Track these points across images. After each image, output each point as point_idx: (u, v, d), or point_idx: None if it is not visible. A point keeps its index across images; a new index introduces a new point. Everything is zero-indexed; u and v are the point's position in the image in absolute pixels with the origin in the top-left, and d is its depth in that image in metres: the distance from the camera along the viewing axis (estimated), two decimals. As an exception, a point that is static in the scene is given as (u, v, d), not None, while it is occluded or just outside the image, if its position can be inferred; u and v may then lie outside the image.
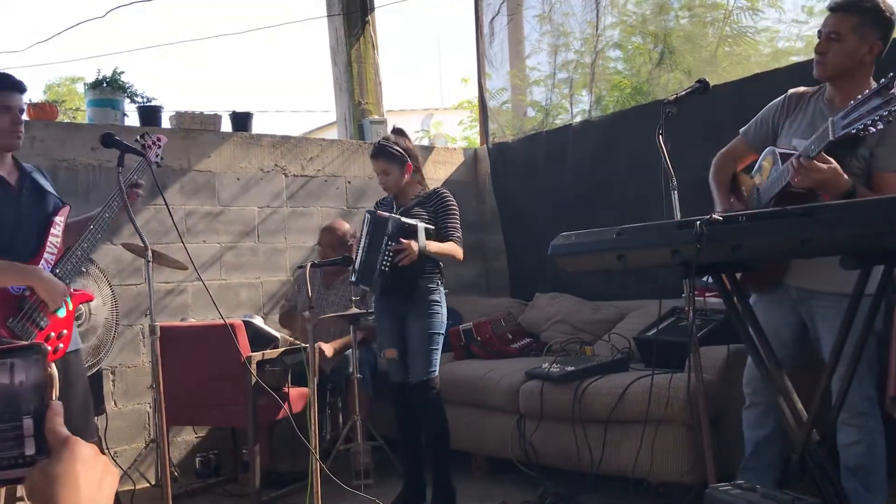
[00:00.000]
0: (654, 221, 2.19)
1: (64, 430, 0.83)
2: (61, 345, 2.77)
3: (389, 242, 3.44)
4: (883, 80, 2.12)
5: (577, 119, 5.70)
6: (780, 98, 2.81)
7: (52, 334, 2.74)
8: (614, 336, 4.24)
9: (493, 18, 6.25)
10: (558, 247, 2.33)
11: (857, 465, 2.57)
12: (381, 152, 3.67)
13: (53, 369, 2.65)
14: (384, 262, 3.46)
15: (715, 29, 5.55)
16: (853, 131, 2.18)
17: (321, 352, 4.31)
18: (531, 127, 6.11)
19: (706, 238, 1.89)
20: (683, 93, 2.89)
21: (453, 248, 3.61)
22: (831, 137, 2.28)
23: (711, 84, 2.95)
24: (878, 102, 2.11)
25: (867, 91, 2.18)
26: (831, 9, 2.57)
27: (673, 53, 5.48)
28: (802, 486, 2.10)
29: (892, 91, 2.07)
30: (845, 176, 2.37)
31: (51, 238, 2.84)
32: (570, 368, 3.80)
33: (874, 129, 2.15)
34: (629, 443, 3.49)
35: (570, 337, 4.50)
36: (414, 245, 3.43)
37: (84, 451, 0.82)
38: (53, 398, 0.86)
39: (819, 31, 2.61)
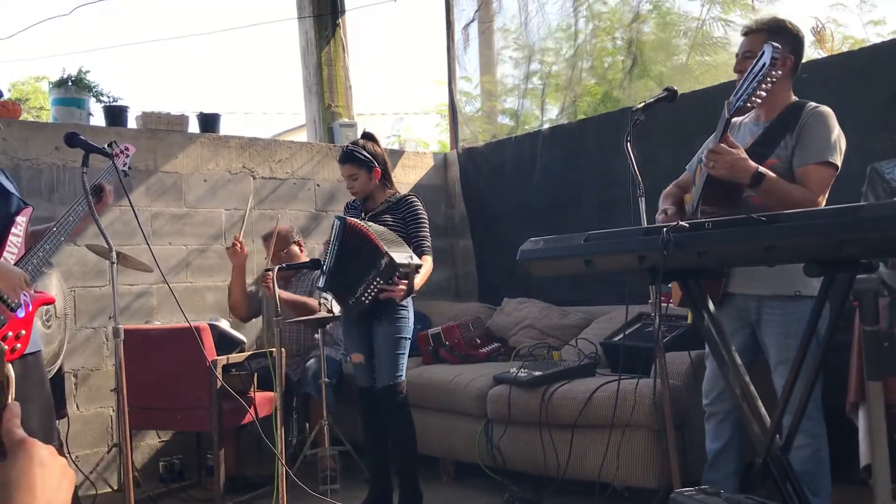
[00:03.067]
0: (622, 228, 2.20)
1: (20, 432, 0.81)
2: (19, 345, 2.71)
3: (378, 279, 3.37)
4: (759, 52, 2.36)
5: (548, 125, 5.74)
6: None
7: (10, 333, 2.68)
8: (581, 341, 4.27)
9: (467, 25, 6.28)
10: (527, 252, 2.34)
11: (804, 469, 2.61)
12: (349, 157, 3.66)
13: (10, 370, 2.58)
14: (366, 295, 3.40)
15: (688, 38, 5.64)
16: (741, 103, 2.40)
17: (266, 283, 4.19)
18: (504, 133, 6.14)
19: (673, 244, 1.91)
20: (652, 100, 2.93)
21: (428, 268, 3.60)
22: (727, 115, 2.47)
23: (684, 92, 3.00)
24: (757, 71, 2.33)
25: (749, 68, 2.40)
26: (745, 33, 2.80)
27: (644, 63, 5.55)
28: (765, 491, 2.12)
29: (763, 58, 2.30)
30: (750, 161, 2.52)
31: (11, 238, 2.79)
32: (537, 373, 3.81)
33: (759, 100, 2.39)
34: (595, 447, 3.51)
35: (538, 342, 4.52)
36: (402, 289, 3.39)
37: (41, 452, 0.80)
38: (10, 400, 0.84)
39: (736, 54, 2.81)
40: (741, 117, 2.88)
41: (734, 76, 2.82)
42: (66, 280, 4.37)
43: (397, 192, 3.77)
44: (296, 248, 4.68)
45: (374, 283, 3.38)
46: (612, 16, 5.79)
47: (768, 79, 2.31)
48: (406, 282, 3.40)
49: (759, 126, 2.76)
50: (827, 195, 2.66)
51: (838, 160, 2.62)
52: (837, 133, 2.64)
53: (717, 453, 2.90)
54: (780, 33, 2.67)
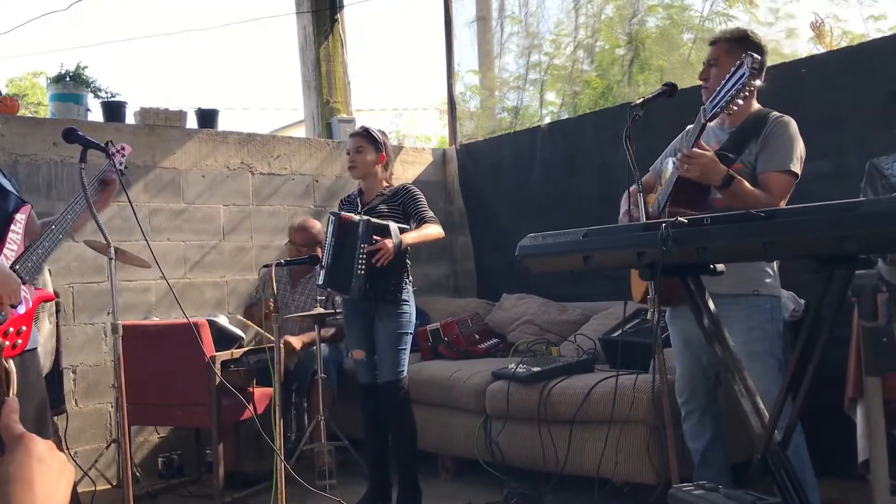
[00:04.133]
0: (621, 223, 2.21)
1: (19, 427, 0.81)
2: (20, 341, 2.71)
3: (362, 245, 3.40)
4: (738, 62, 2.44)
5: (547, 120, 5.74)
6: (680, 134, 3.05)
7: (11, 330, 2.69)
8: (580, 337, 4.27)
9: (469, 22, 6.28)
10: (525, 248, 2.33)
11: None
12: (363, 132, 3.72)
13: (11, 366, 2.59)
14: (359, 267, 3.41)
15: (690, 32, 5.64)
16: (718, 109, 2.49)
17: (288, 345, 4.29)
18: (503, 128, 6.13)
19: (671, 240, 1.90)
20: (650, 96, 2.92)
21: (432, 230, 3.59)
22: (703, 120, 2.57)
23: (686, 86, 3.01)
24: (735, 80, 2.41)
25: (726, 76, 2.47)
26: (710, 43, 2.91)
27: (645, 56, 5.54)
28: (762, 486, 2.12)
29: (743, 67, 2.38)
30: (722, 164, 2.61)
31: (10, 235, 2.79)
32: (536, 369, 3.81)
33: (736, 107, 2.47)
34: (594, 443, 3.51)
35: (537, 338, 4.52)
36: (388, 243, 3.40)
37: (39, 448, 0.80)
38: (11, 395, 0.84)
39: (703, 63, 2.91)
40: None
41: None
42: (65, 276, 4.37)
43: (392, 185, 3.78)
44: (319, 251, 4.64)
45: (361, 250, 3.39)
46: (615, 14, 5.79)
47: (746, 88, 2.40)
48: (390, 239, 3.41)
49: (725, 131, 2.84)
50: (787, 200, 2.74)
51: (798, 169, 2.73)
52: (799, 143, 2.75)
53: (704, 450, 2.93)
54: (742, 42, 2.78)
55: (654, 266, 1.97)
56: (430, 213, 3.64)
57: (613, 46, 5.86)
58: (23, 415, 0.82)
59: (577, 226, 2.24)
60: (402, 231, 3.50)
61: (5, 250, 2.74)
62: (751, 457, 2.12)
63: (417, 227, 3.60)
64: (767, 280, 2.80)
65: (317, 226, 4.77)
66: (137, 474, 4.19)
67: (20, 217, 2.85)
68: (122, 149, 3.20)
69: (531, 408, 3.71)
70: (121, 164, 3.18)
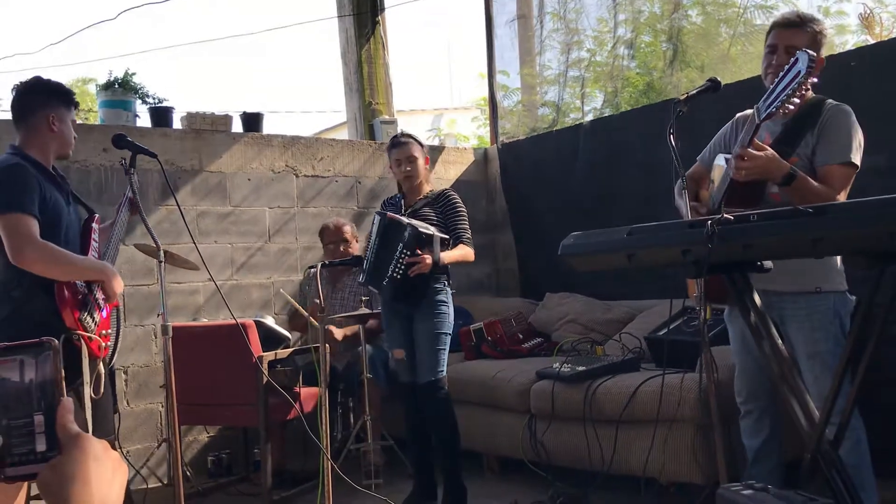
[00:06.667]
0: (665, 221, 2.18)
1: (74, 427, 0.83)
2: (109, 343, 2.86)
3: (405, 251, 3.43)
4: (792, 59, 2.30)
5: (589, 118, 5.70)
6: (729, 122, 2.94)
7: (104, 331, 2.84)
8: (625, 336, 4.23)
9: (510, 20, 6.27)
10: (569, 246, 2.32)
11: (846, 462, 2.57)
12: (411, 139, 3.76)
13: (101, 367, 2.74)
14: (397, 270, 3.46)
15: (728, 27, 5.55)
16: (773, 109, 2.34)
17: (330, 334, 4.32)
18: (544, 126, 6.11)
19: (717, 237, 1.88)
20: (694, 92, 2.87)
21: (465, 253, 3.65)
22: (758, 120, 2.42)
23: (725, 82, 2.95)
24: (790, 79, 2.28)
25: (780, 73, 2.34)
26: (787, 24, 2.69)
27: (685, 52, 5.48)
28: (814, 486, 2.08)
29: (798, 66, 2.24)
30: (783, 161, 2.49)
31: (92, 243, 2.94)
32: (580, 368, 3.79)
33: (792, 106, 2.33)
34: (640, 443, 3.48)
35: (581, 337, 4.49)
36: (428, 258, 3.44)
37: (96, 447, 0.82)
38: (92, 394, 0.87)
39: (772, 45, 2.70)
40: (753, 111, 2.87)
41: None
42: (116, 279, 4.46)
43: (433, 188, 3.82)
44: (343, 247, 4.72)
45: (402, 256, 3.43)
46: (661, 8, 5.72)
47: (803, 87, 2.29)
48: (429, 253, 3.43)
49: (778, 124, 2.72)
50: (848, 192, 2.63)
51: (858, 159, 2.62)
52: (858, 132, 2.63)
53: (758, 449, 2.88)
54: (820, 35, 2.64)
55: (700, 263, 1.95)
56: (468, 235, 3.69)
57: (655, 43, 5.80)
58: (100, 412, 0.85)
59: (621, 224, 2.22)
60: (442, 243, 3.53)
61: (90, 254, 2.89)
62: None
63: (453, 244, 3.64)
64: (831, 274, 2.67)
65: (343, 222, 4.84)
66: (188, 473, 4.27)
67: (96, 226, 3.01)
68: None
69: (576, 407, 3.68)
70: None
